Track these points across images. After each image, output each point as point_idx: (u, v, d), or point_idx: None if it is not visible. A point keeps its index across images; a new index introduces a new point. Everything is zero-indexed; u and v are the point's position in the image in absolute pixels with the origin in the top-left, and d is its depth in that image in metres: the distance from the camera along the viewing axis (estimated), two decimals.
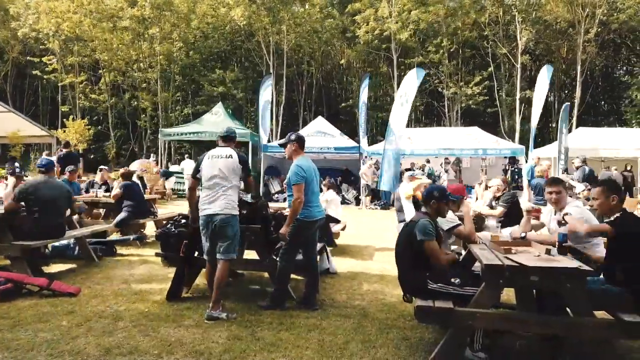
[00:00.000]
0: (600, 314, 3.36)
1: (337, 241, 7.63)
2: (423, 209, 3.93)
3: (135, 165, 16.31)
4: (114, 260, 6.56)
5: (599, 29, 26.60)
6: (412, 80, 12.33)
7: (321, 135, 18.32)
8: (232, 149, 4.38)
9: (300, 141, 4.54)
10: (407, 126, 27.33)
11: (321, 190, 10.35)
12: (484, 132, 18.89)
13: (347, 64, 33.92)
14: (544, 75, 14.55)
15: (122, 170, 9.35)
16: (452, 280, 3.44)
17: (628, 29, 26.50)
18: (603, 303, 3.29)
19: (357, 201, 16.69)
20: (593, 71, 29.99)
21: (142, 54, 31.08)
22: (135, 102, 31.96)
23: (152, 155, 22.49)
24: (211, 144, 25.30)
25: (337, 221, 7.90)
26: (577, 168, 11.05)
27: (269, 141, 21.85)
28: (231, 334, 3.70)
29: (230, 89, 30.84)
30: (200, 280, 5.03)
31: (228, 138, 4.47)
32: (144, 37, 30.77)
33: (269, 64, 29.98)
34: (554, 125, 29.25)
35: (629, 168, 16.18)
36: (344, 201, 16.79)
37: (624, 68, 30.30)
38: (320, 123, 20.06)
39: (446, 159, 19.50)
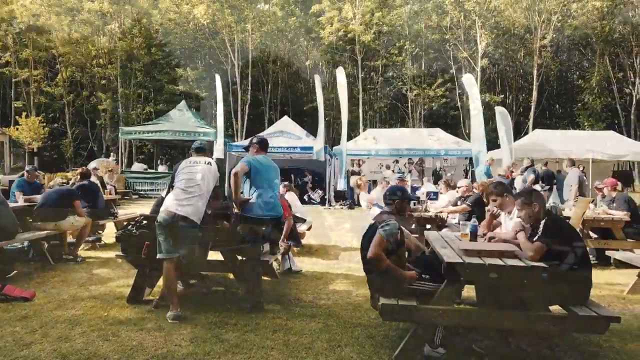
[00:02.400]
0: (555, 308, 3.51)
1: (303, 241, 7.63)
2: (386, 208, 4.00)
3: (93, 165, 15.76)
4: (71, 262, 6.31)
5: (554, 35, 27.75)
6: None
7: (287, 135, 18.28)
8: (208, 157, 4.51)
9: (261, 144, 4.72)
10: (372, 127, 27.79)
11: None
12: (446, 134, 19.36)
13: (313, 65, 34.00)
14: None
15: (79, 170, 9.02)
16: (423, 276, 3.53)
17: (580, 35, 27.75)
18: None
19: (323, 201, 16.75)
20: (549, 75, 31.24)
21: (101, 50, 30.10)
22: (95, 100, 30.90)
23: (112, 154, 21.81)
24: (176, 144, 24.84)
25: (302, 221, 7.91)
26: (526, 169, 11.42)
27: (233, 141, 21.61)
28: (194, 336, 3.64)
29: (193, 87, 30.31)
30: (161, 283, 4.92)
31: (201, 150, 4.57)
32: (104, 31, 29.81)
33: (234, 62, 29.67)
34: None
35: (581, 169, 16.94)
36: (309, 201, 16.83)
37: (577, 73, 31.70)
38: (286, 123, 20.01)
39: (409, 159, 19.86)
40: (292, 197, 8.34)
